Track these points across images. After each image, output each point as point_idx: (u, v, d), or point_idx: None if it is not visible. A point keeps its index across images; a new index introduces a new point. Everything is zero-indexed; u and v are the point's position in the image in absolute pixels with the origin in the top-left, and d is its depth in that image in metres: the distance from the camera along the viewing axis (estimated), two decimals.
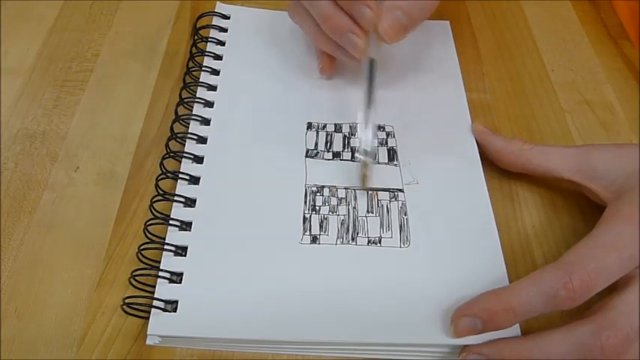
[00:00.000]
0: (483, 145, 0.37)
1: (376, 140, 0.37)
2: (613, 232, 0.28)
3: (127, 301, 0.29)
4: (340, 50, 0.36)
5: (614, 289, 0.28)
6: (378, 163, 0.36)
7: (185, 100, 0.38)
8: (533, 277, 0.28)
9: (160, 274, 0.30)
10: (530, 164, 0.35)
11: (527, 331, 0.29)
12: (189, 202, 0.34)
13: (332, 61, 0.40)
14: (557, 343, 0.27)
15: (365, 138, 0.34)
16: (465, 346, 0.29)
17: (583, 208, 0.36)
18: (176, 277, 0.31)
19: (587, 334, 0.26)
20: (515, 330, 0.29)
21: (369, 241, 0.33)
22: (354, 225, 0.33)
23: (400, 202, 0.34)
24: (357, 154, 0.36)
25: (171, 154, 0.35)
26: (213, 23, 0.44)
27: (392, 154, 0.37)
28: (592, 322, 0.27)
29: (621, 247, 0.28)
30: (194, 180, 0.35)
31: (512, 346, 0.28)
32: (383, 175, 0.36)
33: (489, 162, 0.37)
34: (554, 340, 0.27)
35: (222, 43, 0.43)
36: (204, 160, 0.36)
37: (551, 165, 0.34)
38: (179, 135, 0.36)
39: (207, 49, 0.42)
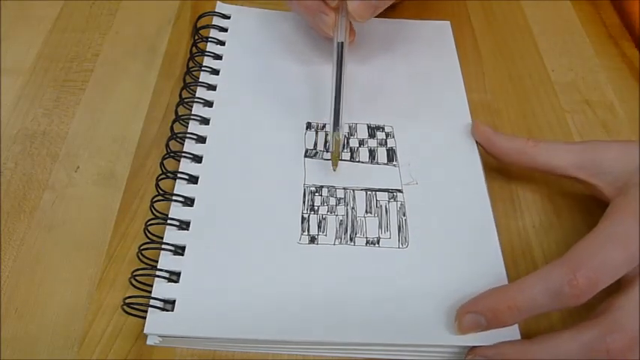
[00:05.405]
0: (485, 144, 0.37)
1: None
2: (618, 227, 0.28)
3: (127, 301, 0.29)
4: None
5: (620, 286, 0.28)
6: (378, 163, 0.36)
7: (185, 100, 0.38)
8: (538, 274, 0.27)
9: (158, 273, 0.30)
10: (534, 162, 0.34)
11: (525, 330, 0.29)
12: (188, 202, 0.34)
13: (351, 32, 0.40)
14: (563, 346, 0.26)
15: (334, 117, 0.35)
16: (472, 347, 0.29)
17: (583, 208, 0.36)
18: (174, 277, 0.31)
19: (593, 337, 0.26)
20: (514, 328, 0.29)
21: (367, 242, 0.33)
22: (353, 225, 0.33)
23: (399, 203, 0.34)
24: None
25: (172, 154, 0.35)
26: (213, 23, 0.44)
27: (391, 155, 0.37)
28: (598, 324, 0.27)
29: (627, 242, 0.27)
30: (193, 179, 0.35)
31: (517, 348, 0.28)
32: (382, 176, 0.36)
33: (489, 162, 0.37)
34: (560, 342, 0.27)
35: (222, 43, 0.43)
36: (203, 159, 0.36)
37: (556, 162, 0.34)
38: (179, 135, 0.36)
39: (207, 49, 0.42)
